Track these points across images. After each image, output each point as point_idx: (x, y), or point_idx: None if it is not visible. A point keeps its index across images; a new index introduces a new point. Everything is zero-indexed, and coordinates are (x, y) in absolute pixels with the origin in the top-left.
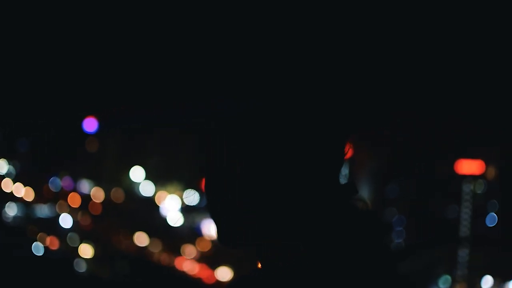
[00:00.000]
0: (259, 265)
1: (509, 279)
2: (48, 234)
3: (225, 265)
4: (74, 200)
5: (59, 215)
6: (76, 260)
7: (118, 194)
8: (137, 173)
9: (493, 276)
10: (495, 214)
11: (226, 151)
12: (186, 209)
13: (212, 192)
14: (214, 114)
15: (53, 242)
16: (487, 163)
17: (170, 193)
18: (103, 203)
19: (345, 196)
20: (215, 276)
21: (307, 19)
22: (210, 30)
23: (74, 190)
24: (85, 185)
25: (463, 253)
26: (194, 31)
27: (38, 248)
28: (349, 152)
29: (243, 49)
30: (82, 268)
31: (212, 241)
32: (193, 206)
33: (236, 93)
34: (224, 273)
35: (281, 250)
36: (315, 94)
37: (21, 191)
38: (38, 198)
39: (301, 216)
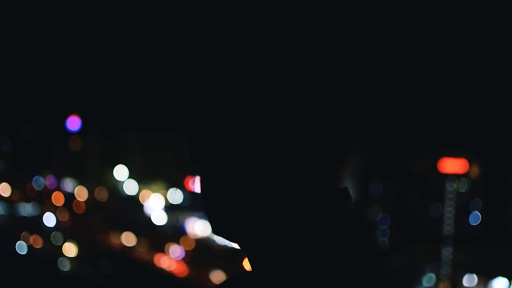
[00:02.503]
0: (245, 264)
1: (492, 277)
2: (32, 233)
3: (208, 263)
4: (58, 199)
5: (43, 214)
6: (60, 259)
7: (101, 193)
8: (120, 172)
9: (476, 274)
10: (478, 213)
11: (226, 151)
12: (170, 208)
13: (209, 191)
14: (214, 115)
15: (36, 241)
16: (470, 162)
17: (153, 191)
18: (86, 201)
19: (340, 200)
20: (199, 274)
21: (302, 24)
22: (206, 34)
23: (58, 189)
24: (68, 184)
25: (447, 252)
26: (188, 34)
27: (21, 247)
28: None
29: (243, 52)
30: (66, 267)
31: (196, 240)
32: (177, 204)
33: (236, 95)
34: (208, 271)
35: (278, 250)
36: (313, 99)
37: (7, 190)
38: (22, 197)
39: (299, 217)
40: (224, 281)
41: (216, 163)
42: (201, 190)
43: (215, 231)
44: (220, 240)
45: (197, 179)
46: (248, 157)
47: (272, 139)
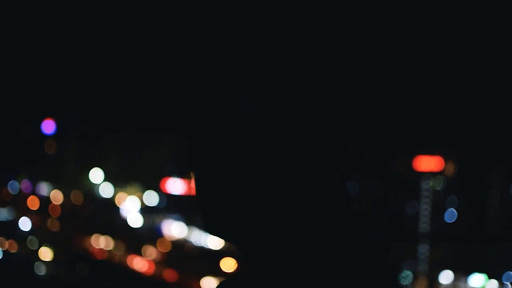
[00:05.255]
0: (224, 265)
1: (468, 274)
2: (7, 238)
3: (185, 265)
4: (33, 203)
5: (18, 218)
6: (36, 263)
7: (77, 196)
8: (96, 175)
9: (453, 271)
10: (454, 210)
11: (226, 151)
12: (146, 210)
13: (208, 191)
14: (213, 115)
15: (12, 246)
16: (445, 160)
17: (129, 194)
18: (62, 205)
19: (340, 200)
20: (176, 276)
21: (301, 25)
22: (204, 33)
23: (33, 193)
24: (44, 188)
25: (423, 249)
26: (185, 33)
27: None
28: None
29: (243, 52)
30: (42, 271)
31: (172, 242)
32: (153, 206)
33: (236, 95)
34: (185, 273)
35: (275, 249)
36: (313, 99)
37: None
38: None
39: (299, 216)
40: (222, 282)
41: (216, 163)
42: (198, 191)
43: (211, 231)
44: (197, 242)
45: (194, 180)
46: (248, 157)
47: (272, 139)
